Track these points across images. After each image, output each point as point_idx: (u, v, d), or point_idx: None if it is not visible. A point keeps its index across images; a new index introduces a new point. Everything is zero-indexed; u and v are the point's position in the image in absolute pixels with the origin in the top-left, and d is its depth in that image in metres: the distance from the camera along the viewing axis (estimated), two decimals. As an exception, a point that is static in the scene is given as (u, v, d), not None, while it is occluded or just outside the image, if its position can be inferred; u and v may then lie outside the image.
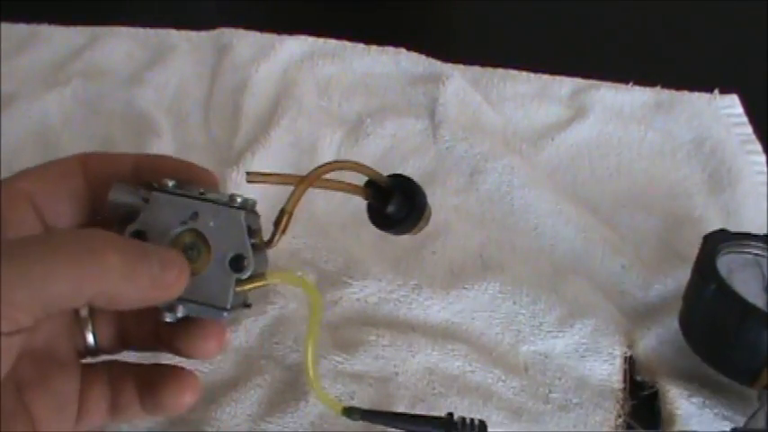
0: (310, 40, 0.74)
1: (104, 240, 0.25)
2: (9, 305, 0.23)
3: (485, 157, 0.62)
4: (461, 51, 0.74)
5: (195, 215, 0.29)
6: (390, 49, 0.73)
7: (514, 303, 0.51)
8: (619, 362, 0.49)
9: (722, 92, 0.70)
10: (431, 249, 0.55)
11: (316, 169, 0.30)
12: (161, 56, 0.72)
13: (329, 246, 0.54)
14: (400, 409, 0.45)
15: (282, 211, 0.30)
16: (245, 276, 0.29)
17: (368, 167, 0.30)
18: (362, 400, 0.46)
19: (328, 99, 0.69)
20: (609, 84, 0.71)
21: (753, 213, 0.59)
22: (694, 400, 0.46)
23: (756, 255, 0.47)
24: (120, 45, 0.73)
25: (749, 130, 0.67)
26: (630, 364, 0.49)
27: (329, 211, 0.58)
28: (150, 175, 0.30)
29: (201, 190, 0.30)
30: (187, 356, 0.30)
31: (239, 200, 0.29)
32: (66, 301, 0.25)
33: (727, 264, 0.46)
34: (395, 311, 0.51)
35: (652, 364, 0.49)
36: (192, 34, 0.75)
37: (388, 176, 0.31)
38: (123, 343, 0.32)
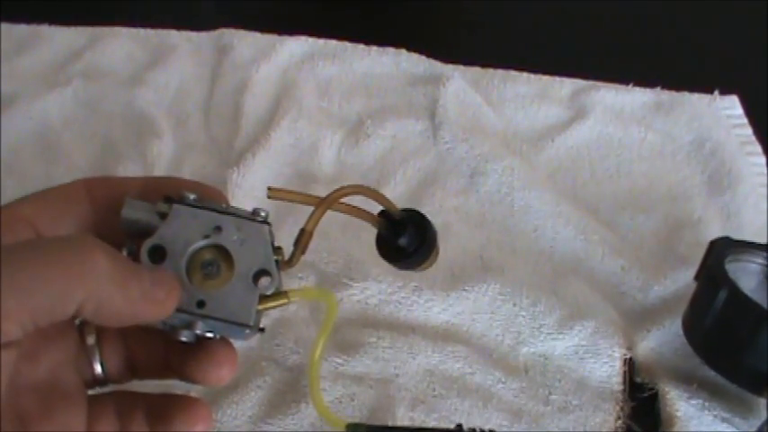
0: (311, 40, 0.74)
1: (94, 245, 0.24)
2: (3, 317, 0.22)
3: (485, 158, 0.62)
4: (462, 52, 0.74)
5: (218, 229, 0.28)
6: (391, 49, 0.73)
7: (514, 305, 0.51)
8: (618, 363, 0.49)
9: (722, 93, 0.70)
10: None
11: (335, 191, 0.29)
12: (161, 56, 0.72)
13: (330, 247, 0.54)
14: (400, 410, 0.45)
15: (302, 231, 0.29)
16: (269, 292, 0.28)
17: (384, 198, 0.30)
18: (363, 402, 0.46)
19: (328, 100, 0.69)
20: (609, 85, 0.71)
21: (753, 215, 0.59)
22: (694, 401, 0.46)
23: (759, 264, 0.48)
24: (120, 45, 0.73)
25: (749, 131, 0.67)
26: (630, 366, 0.49)
27: (330, 212, 0.58)
28: (159, 197, 0.29)
29: (223, 204, 0.29)
30: (198, 383, 0.29)
31: (263, 214, 0.28)
32: (55, 306, 0.23)
33: (732, 272, 0.46)
34: (395, 313, 0.51)
35: (652, 366, 0.49)
36: (193, 35, 0.75)
37: (402, 210, 0.31)
38: (132, 371, 0.30)
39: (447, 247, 0.56)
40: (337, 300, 0.51)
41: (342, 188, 0.29)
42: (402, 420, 0.45)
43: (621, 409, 0.47)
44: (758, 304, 0.43)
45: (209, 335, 0.28)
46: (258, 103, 0.67)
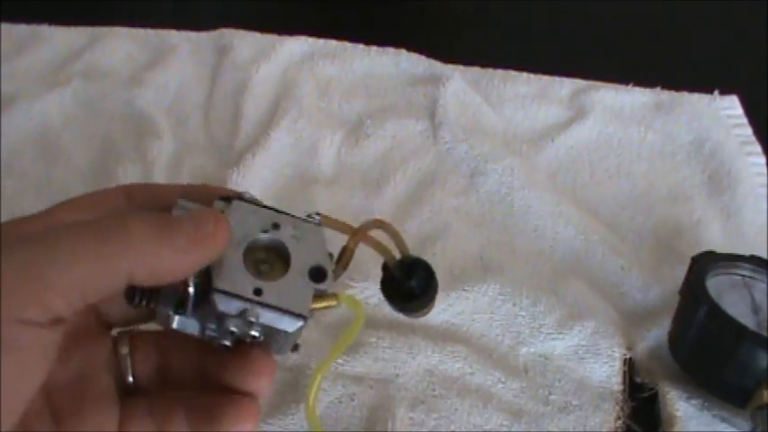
0: (310, 40, 0.74)
1: (126, 214, 0.25)
2: (42, 289, 0.22)
3: (485, 158, 0.62)
4: (461, 52, 0.74)
5: (276, 225, 0.29)
6: (390, 49, 0.73)
7: (514, 305, 0.51)
8: (618, 364, 0.49)
9: (722, 93, 0.70)
10: (431, 251, 0.55)
11: (366, 223, 0.30)
12: (161, 56, 0.72)
13: (329, 248, 0.54)
14: (400, 410, 0.45)
15: (345, 249, 0.30)
16: (324, 287, 0.28)
17: (402, 239, 0.31)
18: (362, 402, 0.46)
19: (328, 100, 0.69)
20: (609, 85, 0.71)
21: (752, 215, 0.59)
22: (694, 401, 0.46)
23: (744, 276, 0.48)
24: (120, 45, 0.73)
25: (749, 131, 0.67)
26: (630, 366, 0.49)
27: (330, 212, 0.58)
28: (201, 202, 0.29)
29: (276, 207, 0.29)
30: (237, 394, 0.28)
31: (317, 218, 0.29)
32: (101, 278, 0.23)
33: (716, 286, 0.46)
34: (395, 313, 0.51)
35: (651, 366, 0.49)
36: (192, 35, 0.75)
37: (413, 256, 0.32)
38: (165, 381, 0.30)
39: (447, 247, 0.56)
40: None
41: (374, 221, 0.31)
42: (402, 420, 0.45)
43: (621, 409, 0.47)
44: (736, 320, 0.43)
45: (255, 333, 0.27)
46: (258, 103, 0.67)
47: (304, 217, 0.29)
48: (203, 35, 0.75)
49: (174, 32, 0.75)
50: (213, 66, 0.72)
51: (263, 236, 0.28)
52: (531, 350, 0.50)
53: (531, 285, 0.53)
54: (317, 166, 0.62)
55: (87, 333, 0.28)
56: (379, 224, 0.31)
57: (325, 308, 0.29)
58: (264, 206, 0.29)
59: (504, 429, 0.45)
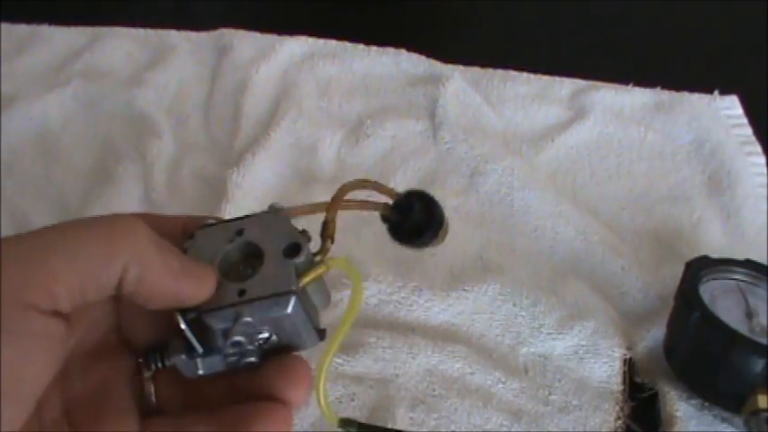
0: (310, 40, 0.74)
1: (135, 221, 0.25)
2: (46, 274, 0.23)
3: (485, 158, 0.62)
4: (461, 52, 0.74)
5: (241, 232, 0.29)
6: (390, 49, 0.73)
7: (514, 305, 0.51)
8: (618, 364, 0.49)
9: (722, 93, 0.70)
10: (431, 251, 0.55)
11: (339, 190, 0.30)
12: (161, 56, 0.72)
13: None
14: (400, 411, 0.45)
15: (325, 222, 0.30)
16: (302, 259, 0.28)
17: (383, 186, 0.31)
18: (363, 402, 0.46)
19: (328, 100, 0.69)
20: (609, 85, 0.71)
21: (753, 215, 0.59)
22: (693, 401, 0.46)
23: (737, 280, 0.48)
24: (120, 45, 0.73)
25: (749, 131, 0.67)
26: (630, 366, 0.49)
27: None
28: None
29: (237, 216, 0.30)
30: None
31: (277, 206, 0.29)
32: (102, 270, 0.24)
33: (710, 291, 0.47)
34: (395, 313, 0.51)
35: (651, 366, 0.49)
36: (192, 35, 0.75)
37: (404, 192, 0.31)
38: (190, 405, 0.28)
39: (447, 247, 0.56)
40: (336, 302, 0.51)
41: (344, 186, 0.30)
42: (402, 420, 0.45)
43: (621, 409, 0.47)
44: (729, 326, 0.43)
45: (266, 334, 0.27)
46: (258, 103, 0.67)
47: (266, 211, 0.29)
48: (203, 35, 0.75)
49: (174, 32, 0.75)
50: (213, 66, 0.72)
51: (231, 246, 0.29)
52: (531, 350, 0.50)
53: (531, 285, 0.53)
54: (317, 166, 0.62)
55: (109, 351, 0.28)
56: (353, 187, 0.30)
57: (316, 277, 0.28)
58: (224, 221, 0.29)
59: (504, 429, 0.45)
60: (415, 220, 0.31)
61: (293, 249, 0.28)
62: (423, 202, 0.31)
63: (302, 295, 0.27)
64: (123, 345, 0.29)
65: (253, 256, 0.28)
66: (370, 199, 0.31)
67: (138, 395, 0.28)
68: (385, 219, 0.31)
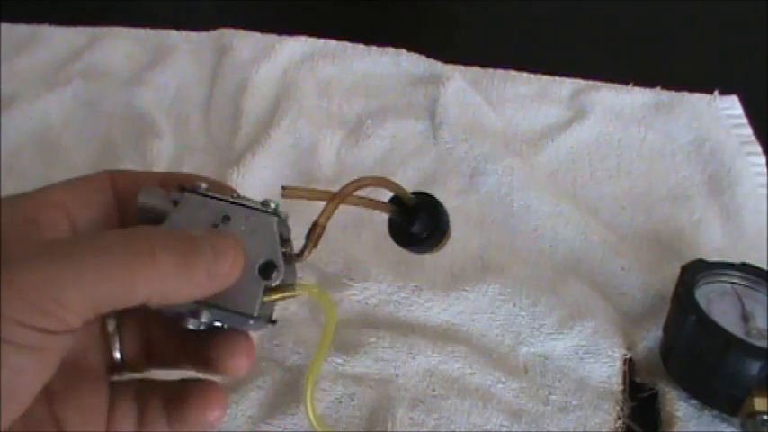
0: (310, 40, 0.74)
1: (155, 239, 0.25)
2: (60, 306, 0.23)
3: (485, 158, 0.62)
4: (462, 52, 0.74)
5: (227, 219, 0.28)
6: (390, 49, 0.73)
7: (514, 305, 0.51)
8: (618, 364, 0.49)
9: (722, 93, 0.70)
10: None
11: (348, 185, 0.29)
12: (161, 56, 0.72)
13: (329, 247, 0.54)
14: (400, 410, 0.45)
15: (315, 224, 0.29)
16: (273, 284, 0.28)
17: (395, 184, 0.30)
18: (363, 402, 0.46)
19: (328, 100, 0.69)
20: (609, 85, 0.71)
21: (753, 215, 0.59)
22: (693, 401, 0.46)
23: (733, 283, 0.48)
24: (120, 45, 0.73)
25: (749, 131, 0.67)
26: (630, 366, 0.49)
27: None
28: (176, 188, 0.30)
29: (234, 195, 0.29)
30: (215, 373, 0.29)
31: (272, 205, 0.29)
32: (119, 302, 0.24)
33: (706, 294, 0.47)
34: (395, 313, 0.51)
35: (651, 366, 0.49)
36: (193, 35, 0.75)
37: (413, 193, 0.31)
38: (149, 359, 0.31)
39: (447, 247, 0.56)
40: (336, 302, 0.51)
41: (354, 182, 0.29)
42: (402, 420, 0.45)
43: (621, 409, 0.47)
44: (725, 329, 0.44)
45: (218, 323, 0.28)
46: (258, 103, 0.67)
47: (258, 205, 0.29)
48: (203, 35, 0.75)
49: (174, 32, 0.75)
50: (213, 66, 0.72)
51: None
52: (531, 350, 0.50)
53: (531, 285, 0.52)
54: (317, 166, 0.62)
55: None
56: (362, 184, 0.29)
57: (281, 299, 0.28)
58: (217, 198, 0.29)
59: (504, 429, 0.45)
60: (418, 225, 0.31)
61: (268, 269, 0.28)
62: (428, 207, 0.31)
63: (262, 308, 0.28)
64: None
65: None
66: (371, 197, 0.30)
67: (104, 354, 0.30)
68: (390, 220, 0.31)
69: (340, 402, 0.46)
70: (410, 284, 0.52)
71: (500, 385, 0.47)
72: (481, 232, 0.58)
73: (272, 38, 0.74)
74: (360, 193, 0.30)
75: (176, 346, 0.30)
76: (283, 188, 0.29)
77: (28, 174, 0.61)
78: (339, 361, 0.47)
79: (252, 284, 0.28)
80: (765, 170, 0.63)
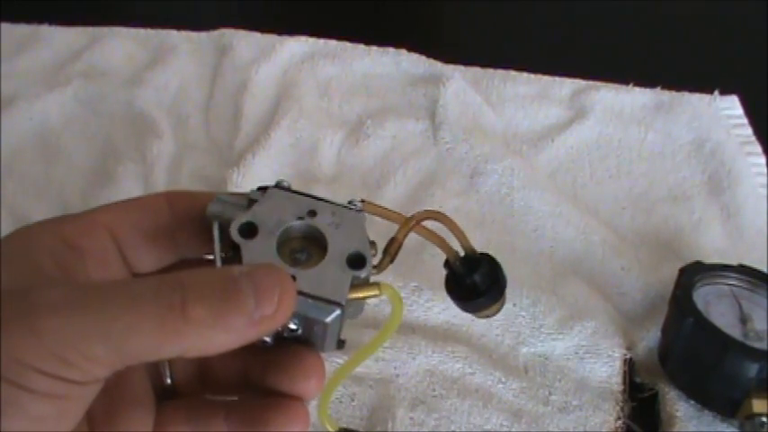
0: (311, 40, 0.74)
1: (188, 289, 0.23)
2: (86, 359, 0.22)
3: (485, 158, 0.62)
4: (462, 52, 0.74)
5: (313, 213, 0.27)
6: (391, 50, 0.73)
7: (514, 305, 0.51)
8: (618, 364, 0.49)
9: (722, 93, 0.70)
10: (431, 251, 0.55)
11: (420, 212, 0.29)
12: (161, 56, 0.72)
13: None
14: (400, 410, 0.45)
15: (394, 239, 0.29)
16: (363, 275, 0.26)
17: (463, 233, 0.30)
18: (363, 402, 0.46)
19: (329, 100, 0.69)
20: (609, 85, 0.71)
21: (753, 215, 0.59)
22: (693, 401, 0.46)
23: (731, 285, 0.48)
24: (120, 45, 0.73)
25: (749, 131, 0.67)
26: (630, 366, 0.49)
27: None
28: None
29: (316, 195, 0.28)
30: (281, 398, 0.27)
31: (358, 204, 0.28)
32: (149, 357, 0.23)
33: (704, 296, 0.47)
34: (395, 313, 0.51)
35: (651, 366, 0.49)
36: (193, 35, 0.75)
37: (476, 250, 0.30)
38: (205, 384, 0.28)
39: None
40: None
41: (426, 211, 0.29)
42: (402, 420, 0.45)
43: (621, 409, 0.47)
44: (722, 331, 0.44)
45: (293, 326, 0.26)
46: (258, 103, 0.67)
47: (344, 204, 0.28)
48: (203, 35, 0.75)
49: (174, 32, 0.75)
50: (213, 66, 0.72)
51: (299, 223, 0.27)
52: (532, 350, 0.50)
53: (532, 285, 0.52)
54: (317, 166, 0.62)
55: None
56: (434, 215, 0.29)
57: (365, 297, 0.27)
58: (301, 194, 0.28)
59: (504, 429, 0.45)
60: (477, 278, 0.30)
61: (359, 261, 0.27)
62: (491, 266, 0.30)
63: (345, 308, 0.26)
64: None
65: (313, 243, 0.27)
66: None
67: (153, 377, 0.28)
68: (448, 266, 0.30)
69: (340, 402, 0.46)
70: (410, 284, 0.52)
71: (500, 385, 0.47)
72: (481, 232, 0.58)
73: (272, 38, 0.74)
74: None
75: (237, 369, 0.28)
76: (363, 201, 0.29)
77: (28, 174, 0.61)
78: (339, 361, 0.47)
79: (339, 273, 0.26)
80: (765, 170, 0.63)
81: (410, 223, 0.28)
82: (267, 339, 0.26)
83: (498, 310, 0.31)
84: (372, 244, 0.28)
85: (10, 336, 0.21)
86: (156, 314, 0.22)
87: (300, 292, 0.25)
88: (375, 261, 0.28)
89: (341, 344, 0.28)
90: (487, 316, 0.31)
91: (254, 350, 0.26)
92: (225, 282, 0.23)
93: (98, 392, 0.24)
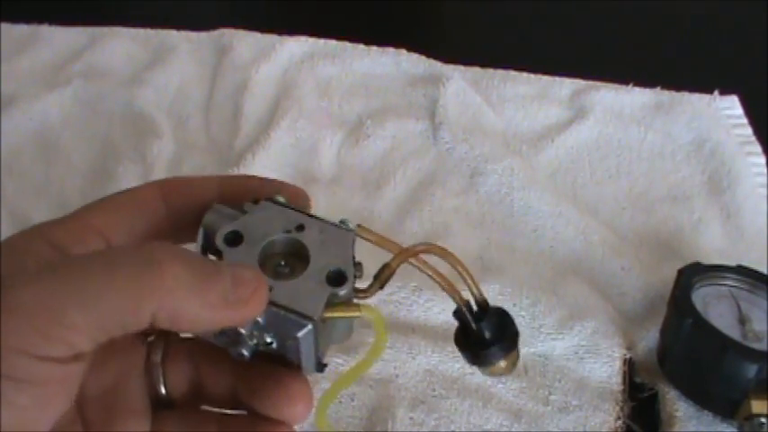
0: (310, 40, 0.74)
1: (167, 251, 0.23)
2: (65, 328, 0.21)
3: (485, 158, 0.62)
4: (461, 52, 0.74)
5: (301, 227, 0.27)
6: (390, 50, 0.73)
7: (514, 305, 0.51)
8: (618, 364, 0.49)
9: (722, 93, 0.70)
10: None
11: (420, 245, 0.27)
12: (161, 56, 0.72)
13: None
14: (400, 410, 0.45)
15: (386, 266, 0.27)
16: (342, 293, 0.26)
17: (473, 279, 0.28)
18: (363, 402, 0.46)
19: (328, 100, 0.69)
20: (609, 85, 0.71)
21: (752, 215, 0.59)
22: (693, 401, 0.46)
23: (730, 286, 0.48)
24: (120, 45, 0.73)
25: (749, 131, 0.67)
26: (630, 366, 0.49)
27: (329, 211, 0.58)
28: (237, 197, 0.28)
29: (311, 210, 0.28)
30: (271, 420, 0.26)
31: (351, 225, 0.28)
32: (126, 318, 0.22)
33: (703, 297, 0.47)
34: (395, 313, 0.51)
35: (651, 366, 0.49)
36: (193, 35, 0.75)
37: (485, 299, 0.29)
38: (197, 397, 0.28)
39: (447, 247, 0.56)
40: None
41: (425, 244, 0.28)
42: (402, 420, 0.45)
43: (621, 409, 0.47)
44: (721, 332, 0.44)
45: (268, 339, 0.26)
46: (258, 103, 0.67)
47: (336, 223, 0.28)
48: (203, 35, 0.75)
49: (174, 32, 0.75)
50: (213, 66, 0.72)
51: (284, 236, 0.27)
52: (531, 350, 0.50)
53: (531, 285, 0.52)
54: (317, 166, 0.62)
55: (123, 341, 0.26)
56: (436, 250, 0.27)
57: (342, 317, 0.26)
58: (294, 209, 0.28)
59: (504, 429, 0.45)
60: (487, 324, 0.28)
61: (338, 278, 0.26)
62: (501, 318, 0.28)
63: (320, 325, 0.26)
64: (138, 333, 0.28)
65: (297, 258, 0.27)
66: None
67: (150, 386, 0.28)
68: (457, 314, 0.28)
69: (340, 402, 0.46)
70: (410, 284, 0.52)
71: (500, 385, 0.47)
72: (481, 232, 0.58)
73: (272, 38, 0.74)
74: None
75: (227, 387, 0.28)
76: (359, 227, 0.28)
77: (28, 174, 0.61)
78: (339, 361, 0.47)
79: (317, 288, 0.26)
80: (765, 170, 0.63)
81: (407, 254, 0.27)
82: (244, 352, 0.26)
83: (510, 369, 0.28)
84: (358, 265, 0.27)
85: None
86: (133, 270, 0.22)
87: (274, 303, 0.25)
88: (363, 285, 0.27)
89: (320, 366, 0.27)
90: (494, 374, 0.29)
91: (241, 370, 0.26)
92: (206, 260, 0.24)
93: (81, 379, 0.23)
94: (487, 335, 0.28)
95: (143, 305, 0.22)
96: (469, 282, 0.28)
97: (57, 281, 0.21)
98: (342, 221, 0.28)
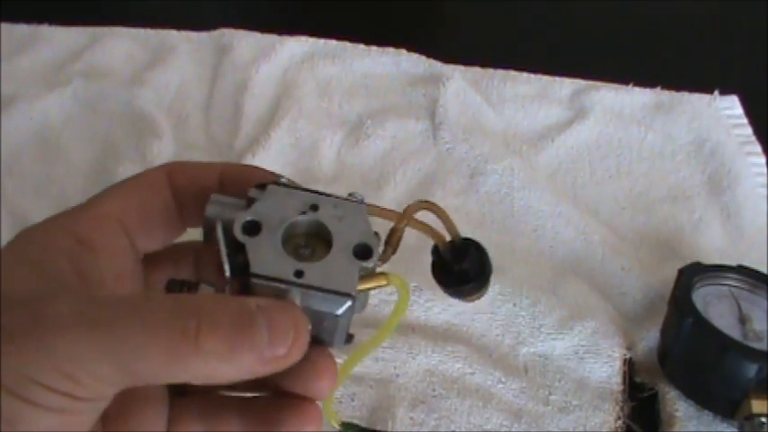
0: (311, 40, 0.74)
1: (203, 316, 0.22)
2: (94, 379, 0.22)
3: (485, 158, 0.62)
4: (462, 52, 0.74)
5: (315, 207, 0.27)
6: (391, 49, 0.73)
7: (514, 305, 0.51)
8: (618, 364, 0.49)
9: (722, 93, 0.70)
10: (431, 251, 0.55)
11: (413, 204, 0.29)
12: (161, 56, 0.72)
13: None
14: (400, 410, 0.45)
15: (394, 230, 0.28)
16: (370, 265, 0.26)
17: (451, 221, 0.30)
18: (363, 402, 0.46)
19: (328, 100, 0.69)
20: (609, 85, 0.71)
21: (753, 215, 0.59)
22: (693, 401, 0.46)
23: (730, 286, 0.48)
24: (120, 45, 0.73)
25: (749, 131, 0.67)
26: (630, 366, 0.49)
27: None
28: (237, 185, 0.28)
29: (316, 189, 0.28)
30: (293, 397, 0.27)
31: (359, 196, 0.28)
32: (156, 380, 0.23)
33: (703, 297, 0.47)
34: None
35: (651, 366, 0.49)
36: (193, 35, 0.75)
37: (462, 237, 0.30)
38: (216, 386, 0.28)
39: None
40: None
41: (418, 202, 0.29)
42: (402, 420, 0.45)
43: (621, 409, 0.47)
44: (722, 331, 0.44)
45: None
46: (258, 103, 0.67)
47: (346, 197, 0.28)
48: (203, 35, 0.75)
49: (174, 32, 0.75)
50: (213, 66, 0.72)
51: (302, 218, 0.27)
52: (532, 350, 0.50)
53: (532, 285, 0.52)
54: (317, 166, 0.62)
55: None
56: (427, 206, 0.29)
57: (374, 288, 0.27)
58: (301, 188, 0.28)
59: (504, 429, 0.45)
60: (466, 266, 0.30)
61: (365, 251, 0.27)
62: (478, 253, 0.30)
63: (355, 300, 0.26)
64: None
65: (317, 238, 0.27)
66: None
67: None
68: (436, 254, 0.30)
69: (340, 402, 0.46)
70: (410, 284, 0.51)
71: (500, 385, 0.47)
72: (481, 232, 0.58)
73: (272, 38, 0.74)
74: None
75: None
76: (366, 204, 0.29)
77: (28, 174, 0.61)
78: (339, 361, 0.47)
79: (348, 265, 0.26)
80: (765, 170, 0.63)
81: (406, 216, 0.29)
82: None
83: (483, 295, 0.31)
84: (376, 235, 0.28)
85: (18, 350, 0.21)
86: (168, 339, 0.22)
87: (310, 287, 0.25)
88: (379, 252, 0.28)
89: (350, 338, 0.27)
90: (472, 300, 0.32)
91: None
92: (240, 315, 0.23)
93: (106, 407, 0.23)
94: (468, 271, 0.30)
95: (173, 373, 0.22)
96: (450, 226, 0.30)
97: (92, 331, 0.22)
98: (350, 194, 0.28)
